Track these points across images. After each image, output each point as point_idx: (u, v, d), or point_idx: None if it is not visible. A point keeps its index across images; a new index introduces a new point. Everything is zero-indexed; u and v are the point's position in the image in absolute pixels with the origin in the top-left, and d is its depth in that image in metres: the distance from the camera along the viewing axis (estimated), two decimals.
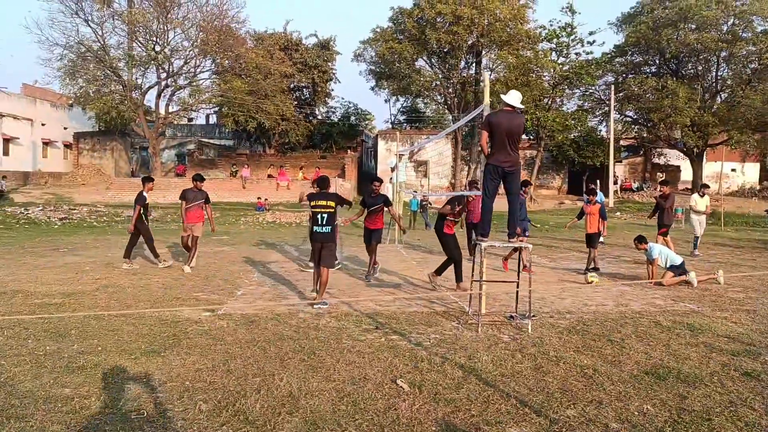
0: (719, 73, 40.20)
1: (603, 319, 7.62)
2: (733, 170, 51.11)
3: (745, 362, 5.77)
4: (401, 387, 4.97)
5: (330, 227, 8.29)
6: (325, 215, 8.26)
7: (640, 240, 10.88)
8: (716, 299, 9.15)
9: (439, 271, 9.69)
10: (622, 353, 6.01)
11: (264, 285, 10.05)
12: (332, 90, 44.83)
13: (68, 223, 22.40)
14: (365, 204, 10.69)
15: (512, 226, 7.34)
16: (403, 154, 17.65)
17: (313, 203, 8.41)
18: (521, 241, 7.69)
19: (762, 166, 52.13)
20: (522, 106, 7.37)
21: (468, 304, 7.97)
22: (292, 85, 41.69)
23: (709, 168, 46.88)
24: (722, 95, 40.55)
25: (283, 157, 41.55)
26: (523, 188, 12.39)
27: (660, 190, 14.05)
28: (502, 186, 7.27)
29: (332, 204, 8.33)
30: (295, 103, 40.86)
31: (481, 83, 39.02)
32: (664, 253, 10.71)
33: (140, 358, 5.65)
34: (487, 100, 7.67)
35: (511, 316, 7.52)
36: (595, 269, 11.70)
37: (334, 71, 43.31)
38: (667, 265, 10.47)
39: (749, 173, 51.52)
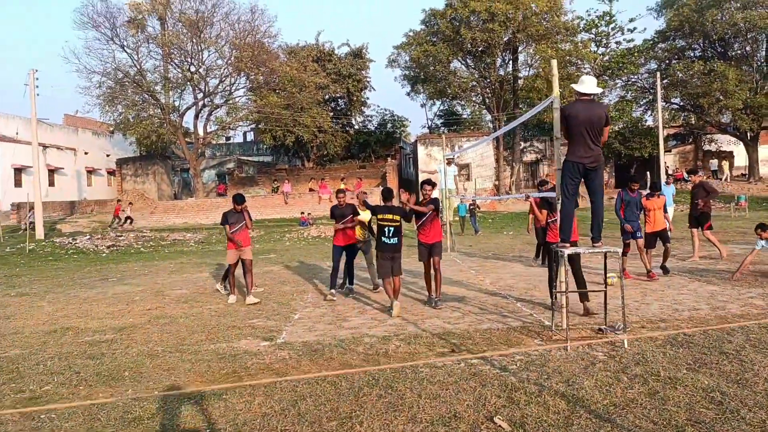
0: None
1: (704, 326, 6.78)
2: None
3: None
4: (501, 427, 4.29)
5: (397, 238, 8.60)
6: (392, 228, 8.56)
7: (763, 228, 9.95)
8: None
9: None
10: (744, 369, 5.20)
11: (320, 306, 9.49)
12: (367, 98, 44.48)
13: (115, 250, 22.39)
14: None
15: (597, 230, 6.59)
16: (451, 159, 16.92)
17: (379, 216, 8.64)
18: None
19: None
20: (599, 90, 6.64)
21: (551, 318, 7.21)
22: (327, 97, 41.42)
23: (764, 152, 44.68)
24: None
25: (322, 169, 41.30)
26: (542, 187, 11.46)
27: (689, 180, 13.21)
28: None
29: (397, 218, 8.58)
30: (332, 114, 40.58)
31: (519, 80, 38.08)
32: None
33: (201, 403, 5.10)
34: (556, 91, 6.94)
35: (600, 329, 6.75)
36: (665, 270, 10.77)
37: (368, 79, 42.93)
38: None
39: None
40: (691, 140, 46.77)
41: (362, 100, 43.25)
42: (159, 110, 34.95)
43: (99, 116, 36.62)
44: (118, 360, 6.63)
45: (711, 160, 43.48)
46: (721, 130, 40.58)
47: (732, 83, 33.95)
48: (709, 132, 43.68)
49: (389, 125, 46.40)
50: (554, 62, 7.12)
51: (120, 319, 9.01)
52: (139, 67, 34.24)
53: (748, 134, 37.78)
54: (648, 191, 11.35)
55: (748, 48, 38.39)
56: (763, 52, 38.39)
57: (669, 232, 11.14)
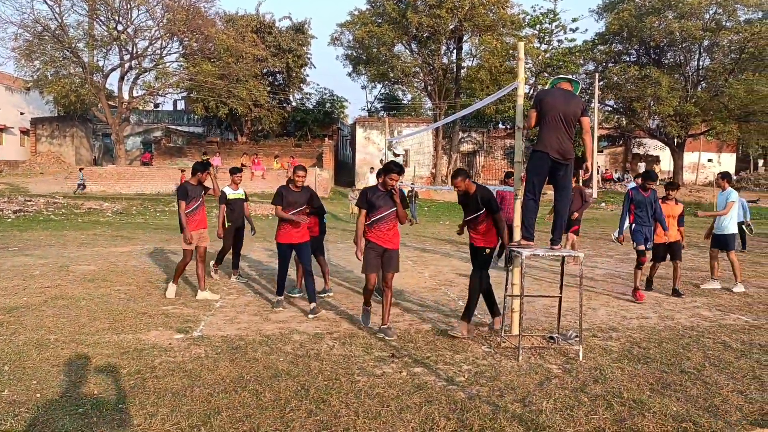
0: (701, 63, 39.62)
1: (657, 339, 6.40)
2: (709, 161, 50.92)
3: None
4: None
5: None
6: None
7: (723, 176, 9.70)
8: (766, 308, 8.04)
9: None
10: (711, 393, 4.77)
11: (246, 293, 8.61)
12: (307, 75, 43.06)
13: (23, 216, 20.47)
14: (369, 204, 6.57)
15: (559, 231, 6.05)
16: (397, 145, 16.22)
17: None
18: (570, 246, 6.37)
19: (738, 156, 52.11)
20: (576, 79, 6.11)
21: (498, 322, 6.64)
22: (265, 70, 39.70)
23: (687, 158, 46.50)
24: (703, 85, 39.97)
25: (256, 145, 39.66)
26: (507, 179, 10.77)
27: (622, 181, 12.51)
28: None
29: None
30: (269, 88, 38.97)
31: (463, 69, 37.79)
32: None
33: (91, 414, 4.19)
34: (521, 75, 6.32)
35: (552, 337, 6.25)
36: (677, 293, 8.80)
37: (309, 56, 41.43)
38: None
39: (726, 163, 51.36)
40: (621, 143, 48.07)
41: (302, 76, 41.76)
42: (80, 69, 32.33)
43: (14, 71, 33.62)
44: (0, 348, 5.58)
45: (639, 163, 44.85)
46: (650, 135, 41.80)
47: (664, 90, 34.83)
48: (638, 136, 44.95)
49: (328, 105, 45.09)
50: (521, 44, 6.49)
51: (11, 298, 7.84)
52: (60, 21, 31.50)
53: (676, 140, 39.04)
54: (664, 194, 9.18)
55: (681, 57, 39.53)
56: (695, 62, 39.67)
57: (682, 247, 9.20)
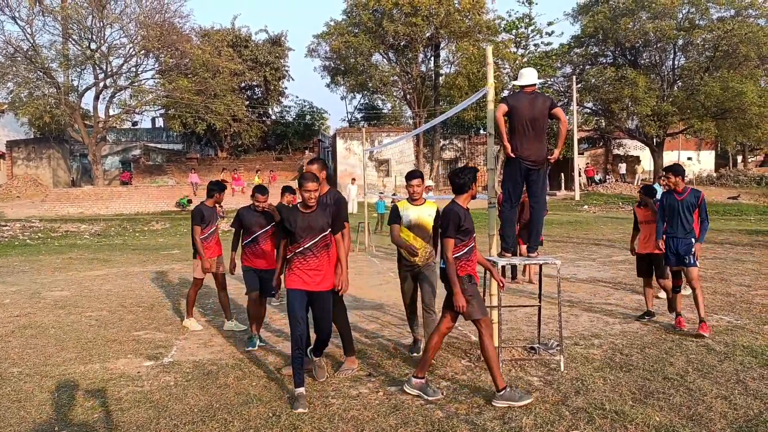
0: (676, 62, 40.05)
1: (639, 344, 6.28)
2: (689, 159, 51.35)
3: None
4: None
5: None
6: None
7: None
8: (749, 307, 7.98)
9: None
10: (694, 400, 4.65)
11: (222, 315, 8.38)
12: (286, 88, 42.89)
13: None
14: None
15: (535, 237, 5.93)
16: (377, 155, 16.09)
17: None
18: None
19: (717, 153, 52.66)
20: (538, 82, 5.98)
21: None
22: (242, 84, 39.61)
23: (667, 157, 46.91)
24: (679, 84, 40.40)
25: (236, 160, 39.45)
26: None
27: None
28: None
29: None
30: (247, 102, 38.82)
31: (441, 77, 37.88)
32: None
33: None
34: (491, 80, 6.22)
35: (533, 348, 6.11)
36: (649, 314, 7.48)
37: (287, 68, 41.41)
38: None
39: (705, 161, 51.90)
40: (601, 144, 48.38)
41: (280, 89, 41.68)
42: (54, 89, 32.00)
43: None
44: None
45: (620, 164, 45.14)
46: (630, 135, 42.10)
47: (641, 90, 35.10)
48: (618, 137, 45.26)
49: (308, 117, 45.03)
50: (489, 48, 6.41)
51: None
52: (32, 41, 31.19)
53: (654, 140, 39.34)
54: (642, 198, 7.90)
55: (657, 57, 39.92)
56: (671, 62, 40.08)
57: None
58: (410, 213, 5.96)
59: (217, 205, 7.42)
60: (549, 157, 5.78)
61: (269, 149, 42.67)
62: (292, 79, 44.41)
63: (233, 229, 6.95)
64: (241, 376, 5.52)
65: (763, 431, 4.09)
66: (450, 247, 4.75)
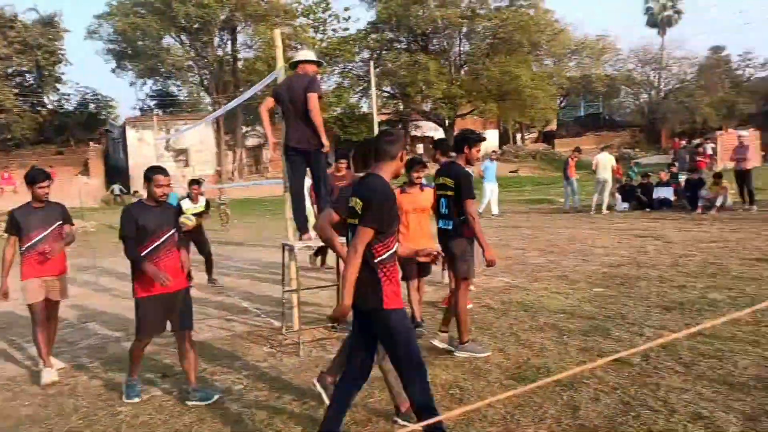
0: (462, 48, 43.32)
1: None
2: None
3: (603, 343, 5.19)
4: None
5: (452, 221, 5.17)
6: (445, 200, 5.21)
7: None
8: (523, 268, 8.89)
9: None
10: (475, 358, 5.02)
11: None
12: (63, 74, 38.44)
13: None
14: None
15: (303, 219, 5.98)
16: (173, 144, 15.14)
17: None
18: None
19: (500, 132, 58.14)
20: (313, 57, 5.98)
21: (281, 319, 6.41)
22: (10, 70, 34.91)
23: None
24: (465, 68, 43.78)
25: (7, 155, 34.66)
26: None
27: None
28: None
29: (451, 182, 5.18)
30: (16, 90, 34.35)
31: (239, 61, 36.85)
32: None
33: None
34: (280, 63, 6.13)
35: (333, 327, 6.18)
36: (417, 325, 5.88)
37: (62, 52, 37.17)
38: None
39: (490, 138, 56.97)
40: (401, 126, 50.81)
41: (56, 75, 37.31)
42: None
43: None
44: None
45: (418, 144, 47.82)
46: (425, 117, 44.80)
47: (433, 75, 37.44)
48: (415, 119, 47.92)
49: (92, 105, 40.98)
50: (277, 32, 6.30)
51: None
52: None
53: (446, 121, 42.31)
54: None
55: (445, 43, 42.83)
56: (457, 48, 43.23)
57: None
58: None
59: None
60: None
61: (48, 142, 38.00)
62: (71, 64, 39.91)
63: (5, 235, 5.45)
64: (10, 398, 4.89)
65: (530, 374, 4.54)
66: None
